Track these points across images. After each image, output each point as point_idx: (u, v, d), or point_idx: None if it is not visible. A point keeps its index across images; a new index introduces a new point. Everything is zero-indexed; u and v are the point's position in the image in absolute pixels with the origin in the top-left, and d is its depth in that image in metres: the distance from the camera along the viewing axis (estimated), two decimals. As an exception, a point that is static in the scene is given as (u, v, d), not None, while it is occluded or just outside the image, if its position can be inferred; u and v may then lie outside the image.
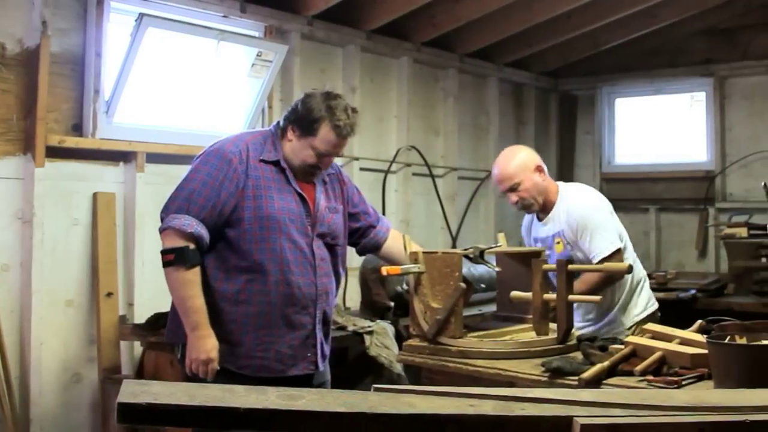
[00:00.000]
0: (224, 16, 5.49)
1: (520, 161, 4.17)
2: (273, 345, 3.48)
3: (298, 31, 6.00)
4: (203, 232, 3.38)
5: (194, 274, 3.38)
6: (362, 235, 3.89)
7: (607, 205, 4.25)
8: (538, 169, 4.18)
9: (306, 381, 3.56)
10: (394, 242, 3.91)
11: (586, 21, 7.30)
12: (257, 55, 5.58)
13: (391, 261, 3.87)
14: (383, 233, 3.93)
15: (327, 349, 3.69)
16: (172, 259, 3.36)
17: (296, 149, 3.52)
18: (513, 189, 4.15)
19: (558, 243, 4.18)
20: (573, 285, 3.50)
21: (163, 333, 4.62)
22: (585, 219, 4.10)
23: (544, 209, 4.26)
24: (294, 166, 3.55)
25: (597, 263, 3.98)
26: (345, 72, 6.49)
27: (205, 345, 3.36)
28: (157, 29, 4.96)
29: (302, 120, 3.50)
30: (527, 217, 4.48)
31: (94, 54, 4.80)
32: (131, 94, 5.00)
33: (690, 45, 8.21)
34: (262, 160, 3.50)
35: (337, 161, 6.25)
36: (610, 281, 4.08)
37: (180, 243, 3.36)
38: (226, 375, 3.34)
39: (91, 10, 4.79)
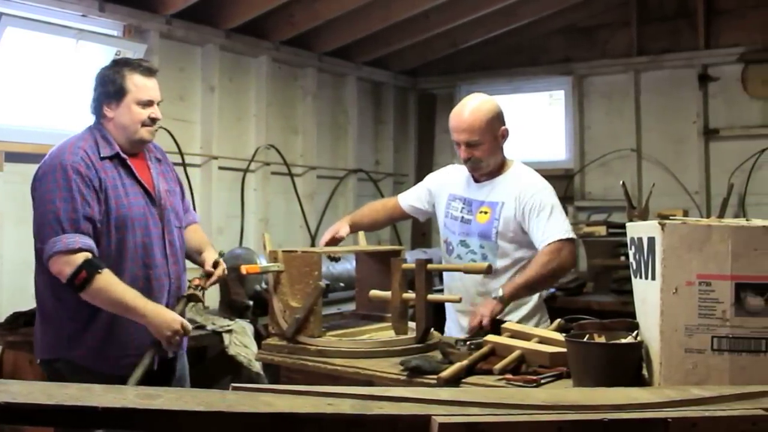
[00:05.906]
0: (83, 15, 5.78)
1: (491, 119, 4.05)
2: (140, 340, 3.63)
3: (156, 30, 6.27)
4: (89, 242, 3.50)
5: (110, 275, 3.49)
6: None
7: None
8: (504, 133, 4.10)
9: (171, 364, 3.85)
10: (188, 235, 4.08)
11: (444, 20, 7.70)
12: (116, 54, 5.78)
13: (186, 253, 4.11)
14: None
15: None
16: (86, 275, 3.44)
17: (125, 117, 3.69)
18: (471, 145, 4.04)
19: (485, 213, 4.13)
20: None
21: (22, 332, 4.89)
22: (544, 199, 4.05)
23: (488, 174, 4.19)
24: (134, 138, 3.72)
25: (551, 243, 3.96)
26: (204, 71, 6.78)
27: (165, 318, 3.56)
28: (16, 28, 5.25)
29: (109, 92, 3.68)
30: (451, 172, 4.43)
31: (-46, 53, 5.05)
32: (-10, 94, 5.25)
33: (549, 44, 8.73)
34: (103, 158, 3.64)
35: (196, 160, 6.67)
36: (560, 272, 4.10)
37: (78, 260, 3.45)
38: (99, 378, 3.26)
39: (-50, 10, 5.03)
